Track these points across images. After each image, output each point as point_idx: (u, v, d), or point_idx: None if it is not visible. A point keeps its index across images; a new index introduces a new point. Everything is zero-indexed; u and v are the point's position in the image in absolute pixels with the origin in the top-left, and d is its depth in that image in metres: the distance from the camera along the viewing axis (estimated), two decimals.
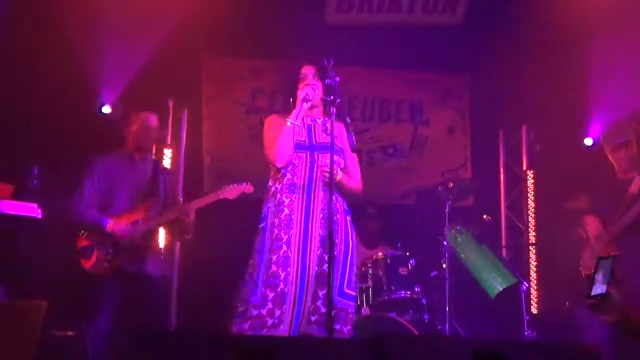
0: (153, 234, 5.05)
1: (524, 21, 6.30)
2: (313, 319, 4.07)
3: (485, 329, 6.20)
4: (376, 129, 7.30)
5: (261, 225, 4.28)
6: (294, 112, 4.26)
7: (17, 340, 3.01)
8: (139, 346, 2.67)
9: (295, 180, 4.26)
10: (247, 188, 5.05)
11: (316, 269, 4.14)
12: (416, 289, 5.51)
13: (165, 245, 6.51)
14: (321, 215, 4.22)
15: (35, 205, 4.44)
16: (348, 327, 4.16)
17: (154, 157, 5.91)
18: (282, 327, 4.03)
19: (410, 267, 5.58)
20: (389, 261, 5.56)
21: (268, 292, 4.09)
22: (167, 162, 6.73)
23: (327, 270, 4.05)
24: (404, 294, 5.49)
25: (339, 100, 4.07)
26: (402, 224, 6.49)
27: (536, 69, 6.56)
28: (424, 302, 5.53)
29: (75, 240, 4.95)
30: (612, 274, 2.55)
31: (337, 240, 4.19)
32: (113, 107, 6.47)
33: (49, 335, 4.58)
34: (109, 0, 6.01)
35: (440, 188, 5.88)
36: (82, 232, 4.92)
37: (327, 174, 4.14)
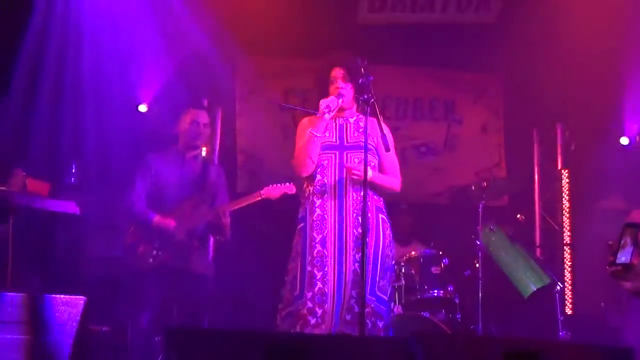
0: (198, 231, 5.08)
1: (559, 19, 6.25)
2: (348, 318, 4.09)
3: (519, 329, 6.16)
4: (409, 128, 7.28)
5: (299, 226, 4.31)
6: (317, 124, 4.25)
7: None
8: (173, 345, 2.71)
9: (326, 180, 4.27)
10: (290, 189, 5.04)
11: (352, 267, 4.16)
12: (449, 288, 5.50)
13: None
14: (354, 214, 4.22)
15: (73, 202, 4.52)
16: (379, 326, 4.16)
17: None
18: (323, 326, 4.05)
19: (443, 266, 5.57)
20: (422, 260, 5.56)
21: (306, 292, 4.11)
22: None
23: (359, 269, 4.08)
24: (437, 293, 5.48)
25: (373, 99, 4.08)
26: (436, 223, 6.49)
27: (571, 67, 6.50)
28: (457, 301, 5.52)
29: (124, 235, 5.01)
30: (637, 242, 2.52)
31: (367, 240, 4.19)
32: (149, 106, 6.55)
33: (85, 330, 4.64)
34: (144, 1, 6.08)
35: (473, 187, 5.86)
36: (131, 227, 4.98)
37: (355, 175, 4.15)
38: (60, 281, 5.01)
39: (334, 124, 4.39)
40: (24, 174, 4.87)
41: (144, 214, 4.96)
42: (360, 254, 4.13)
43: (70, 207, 4.49)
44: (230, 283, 6.38)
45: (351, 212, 4.23)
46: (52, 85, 5.86)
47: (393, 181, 4.41)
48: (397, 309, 5.36)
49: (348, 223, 4.21)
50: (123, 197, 5.08)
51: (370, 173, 4.17)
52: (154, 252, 4.89)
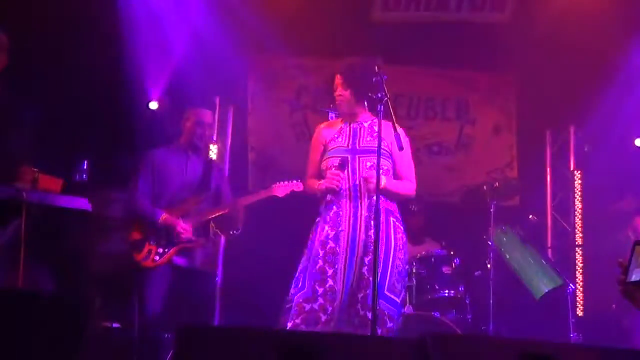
0: (204, 228, 5.09)
1: (573, 19, 6.22)
2: (356, 321, 4.07)
3: (530, 331, 6.13)
4: (421, 127, 7.26)
5: (316, 220, 4.32)
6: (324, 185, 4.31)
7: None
8: (183, 342, 2.70)
9: (340, 184, 4.26)
10: (297, 186, 5.05)
11: (359, 270, 4.15)
12: (460, 289, 5.48)
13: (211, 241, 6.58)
14: (367, 214, 4.21)
15: (85, 198, 4.51)
16: (389, 327, 4.13)
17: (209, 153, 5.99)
18: (332, 323, 4.05)
19: (454, 266, 5.56)
20: (433, 260, 5.55)
21: (317, 287, 4.11)
22: (212, 157, 6.79)
23: (365, 273, 4.07)
24: (448, 293, 5.47)
25: (386, 98, 4.06)
26: (447, 223, 6.46)
27: (585, 67, 6.46)
28: (468, 301, 5.50)
29: (128, 232, 5.01)
30: None
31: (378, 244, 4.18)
32: (160, 103, 6.55)
33: (96, 327, 4.65)
34: None
35: (485, 187, 5.83)
36: (135, 224, 4.99)
37: (371, 185, 4.15)
38: (71, 278, 5.01)
39: (347, 128, 4.39)
40: (35, 170, 4.87)
41: (149, 212, 4.96)
42: (369, 257, 4.13)
43: (82, 203, 4.47)
44: (239, 281, 6.39)
45: (363, 215, 4.22)
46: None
47: (407, 187, 4.36)
48: (408, 309, 5.35)
49: (361, 224, 4.20)
50: (127, 194, 5.09)
51: (383, 180, 4.14)
52: (160, 250, 4.90)
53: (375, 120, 4.32)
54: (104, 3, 5.89)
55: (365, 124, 4.39)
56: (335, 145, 4.34)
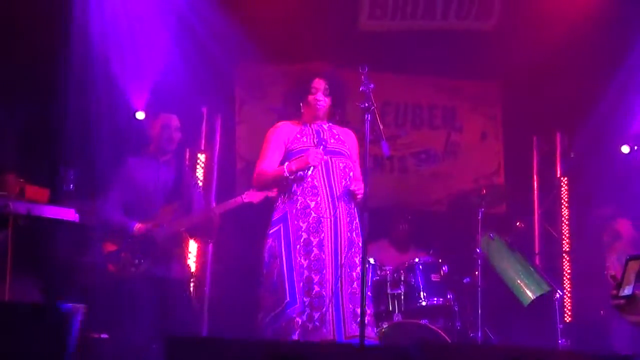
0: (178, 237, 5.07)
1: (558, 26, 6.25)
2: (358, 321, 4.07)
3: (518, 337, 6.14)
4: (408, 135, 7.27)
5: (275, 229, 4.29)
6: (297, 166, 4.26)
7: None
8: (172, 353, 2.70)
9: (316, 183, 4.29)
10: (271, 192, 5.03)
11: (348, 270, 4.16)
12: (448, 296, 5.48)
13: (198, 250, 6.56)
14: (348, 218, 4.26)
15: (72, 209, 4.50)
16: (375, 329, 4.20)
17: (187, 161, 5.97)
18: (324, 329, 4.05)
19: (442, 274, 5.56)
20: (421, 267, 5.54)
21: (304, 299, 4.10)
22: (200, 167, 6.78)
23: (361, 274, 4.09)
24: (436, 300, 5.46)
25: (373, 107, 4.08)
26: (435, 230, 6.48)
27: (571, 74, 6.50)
28: (456, 309, 5.50)
29: (102, 244, 4.98)
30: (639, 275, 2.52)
31: (360, 244, 4.22)
32: (147, 113, 6.53)
33: (84, 338, 4.63)
34: (143, 7, 6.08)
35: (473, 194, 5.85)
36: (109, 235, 4.96)
37: (359, 197, 4.21)
38: (59, 289, 4.99)
39: (309, 128, 4.44)
40: (21, 180, 4.85)
41: (122, 223, 4.93)
42: (357, 258, 4.17)
43: (69, 214, 4.47)
44: (227, 290, 6.37)
45: (345, 216, 4.26)
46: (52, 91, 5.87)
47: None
48: (397, 317, 5.34)
49: (342, 227, 4.23)
50: (97, 206, 5.06)
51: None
52: (136, 261, 4.87)
53: (332, 124, 4.45)
54: (91, 13, 5.88)
55: (325, 127, 4.46)
56: (301, 145, 4.36)
